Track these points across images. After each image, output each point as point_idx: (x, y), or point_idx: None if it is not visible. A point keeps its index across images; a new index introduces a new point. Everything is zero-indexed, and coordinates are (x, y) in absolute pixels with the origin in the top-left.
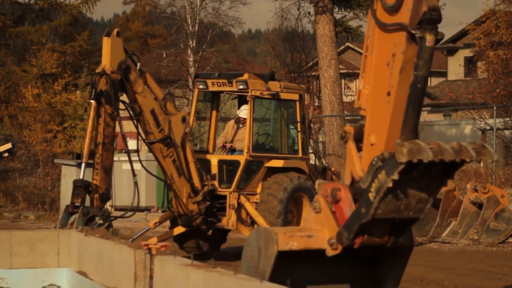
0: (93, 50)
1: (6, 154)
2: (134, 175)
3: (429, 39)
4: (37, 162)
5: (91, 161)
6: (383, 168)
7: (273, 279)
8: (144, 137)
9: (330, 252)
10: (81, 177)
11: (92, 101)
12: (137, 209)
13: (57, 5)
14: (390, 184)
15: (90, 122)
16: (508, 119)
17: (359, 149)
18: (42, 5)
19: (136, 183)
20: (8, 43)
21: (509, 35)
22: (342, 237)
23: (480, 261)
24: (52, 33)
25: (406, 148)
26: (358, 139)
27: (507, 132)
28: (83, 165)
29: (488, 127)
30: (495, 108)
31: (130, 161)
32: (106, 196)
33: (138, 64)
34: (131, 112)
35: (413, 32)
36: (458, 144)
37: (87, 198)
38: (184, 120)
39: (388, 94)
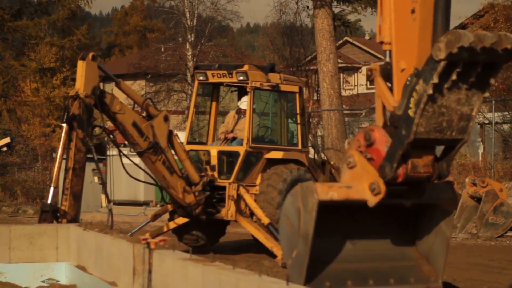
0: (91, 44)
1: (4, 149)
2: (109, 202)
3: None
4: (36, 156)
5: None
6: (420, 77)
7: (316, 234)
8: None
9: (372, 200)
10: (49, 201)
11: (64, 125)
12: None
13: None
14: (431, 91)
15: (61, 146)
16: (507, 113)
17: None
18: None
19: (110, 210)
20: (6, 37)
21: (508, 29)
22: (384, 169)
23: (479, 255)
24: (50, 27)
25: (443, 42)
26: (385, 77)
27: (505, 126)
28: (51, 189)
29: (486, 121)
30: (493, 102)
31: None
32: (74, 223)
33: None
34: (110, 135)
35: None
36: (496, 33)
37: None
38: (166, 119)
39: (413, 11)
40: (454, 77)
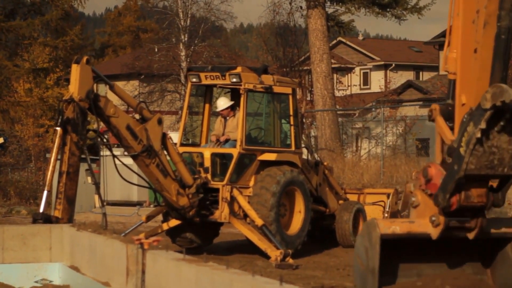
0: (85, 45)
1: None
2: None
3: None
4: (29, 156)
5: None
6: (470, 119)
7: (382, 268)
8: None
9: (434, 232)
10: (41, 209)
11: (58, 128)
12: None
13: (49, 0)
14: (478, 134)
15: (55, 149)
16: None
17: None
18: None
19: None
20: (0, 38)
21: None
22: (438, 198)
23: None
24: (44, 28)
25: (489, 93)
26: (444, 115)
27: None
28: (45, 193)
29: None
30: None
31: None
32: None
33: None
34: (104, 139)
35: None
36: None
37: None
38: (159, 122)
39: (475, 51)
40: (502, 122)
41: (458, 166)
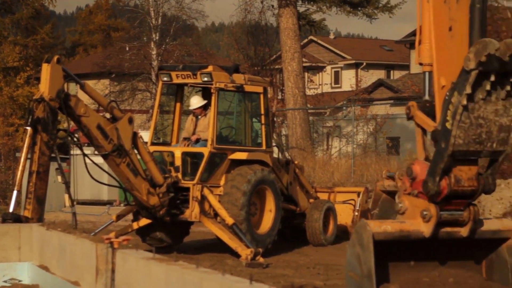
0: (55, 43)
1: None
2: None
3: None
4: None
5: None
6: (454, 90)
7: (378, 272)
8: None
9: (427, 230)
10: (11, 209)
11: (29, 128)
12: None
13: None
14: (464, 101)
15: (25, 149)
16: None
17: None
18: None
19: (74, 214)
20: None
21: None
22: (428, 183)
23: None
24: (14, 26)
25: (472, 53)
26: (423, 112)
27: None
28: (15, 193)
29: None
30: None
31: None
32: None
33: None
34: (74, 139)
35: None
36: None
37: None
38: (130, 121)
39: (450, 29)
40: (487, 87)
41: (445, 143)
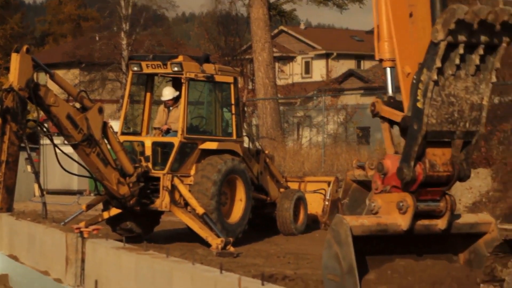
0: (25, 33)
1: None
2: (42, 194)
3: None
4: None
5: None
6: (423, 67)
7: (359, 267)
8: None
9: (404, 222)
10: None
11: None
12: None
13: None
14: (435, 76)
15: None
16: None
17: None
18: None
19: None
20: None
21: None
22: (402, 170)
23: None
24: None
25: (439, 24)
26: (387, 105)
27: None
28: None
29: None
30: None
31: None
32: None
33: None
34: (44, 129)
35: None
36: (492, 10)
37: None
38: (100, 110)
39: (410, 15)
40: (457, 61)
41: (418, 124)
